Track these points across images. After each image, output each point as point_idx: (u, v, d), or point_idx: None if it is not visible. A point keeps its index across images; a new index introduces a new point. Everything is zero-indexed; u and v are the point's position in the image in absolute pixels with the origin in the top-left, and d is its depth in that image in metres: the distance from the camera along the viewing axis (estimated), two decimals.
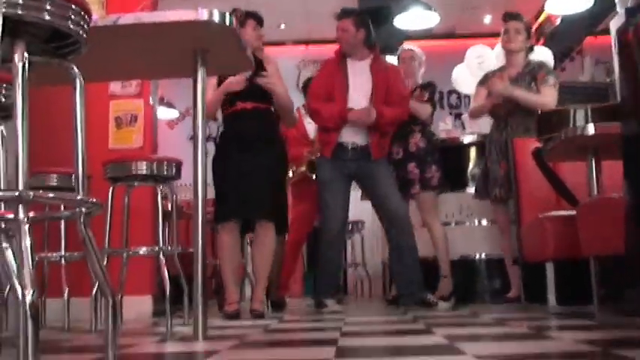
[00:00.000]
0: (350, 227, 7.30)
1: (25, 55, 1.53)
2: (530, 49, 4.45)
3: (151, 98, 4.67)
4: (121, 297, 3.24)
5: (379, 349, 2.22)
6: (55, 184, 3.61)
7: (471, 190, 4.89)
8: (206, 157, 2.86)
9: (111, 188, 3.33)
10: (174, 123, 8.92)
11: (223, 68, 3.29)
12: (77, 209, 1.66)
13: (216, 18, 2.60)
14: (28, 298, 1.33)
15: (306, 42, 9.32)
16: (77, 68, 1.72)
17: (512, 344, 2.14)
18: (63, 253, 3.67)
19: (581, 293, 3.25)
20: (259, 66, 4.02)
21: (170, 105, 7.71)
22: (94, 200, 1.66)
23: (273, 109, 4.11)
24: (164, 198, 3.42)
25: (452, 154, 5.11)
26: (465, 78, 5.73)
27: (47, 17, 1.52)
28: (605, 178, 3.23)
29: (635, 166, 2.42)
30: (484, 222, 4.99)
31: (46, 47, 1.65)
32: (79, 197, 1.67)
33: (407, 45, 5.10)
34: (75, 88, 1.71)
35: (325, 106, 4.33)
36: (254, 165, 3.88)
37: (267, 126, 4.08)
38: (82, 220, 1.66)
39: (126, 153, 4.22)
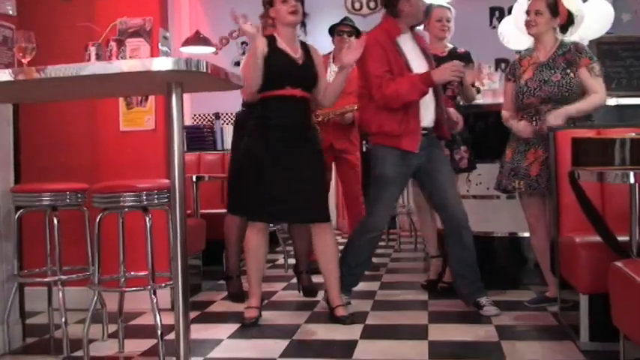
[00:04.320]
0: None
1: None
2: (564, 29, 3.88)
3: (160, 50, 4.26)
4: None
5: None
6: None
7: None
8: None
9: (99, 216, 3.11)
10: (219, 48, 8.59)
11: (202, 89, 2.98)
12: None
13: (182, 66, 2.27)
14: None
15: None
16: None
17: None
18: None
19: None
20: (307, 53, 3.84)
21: (206, 41, 7.30)
22: None
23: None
24: None
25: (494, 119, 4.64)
26: (513, 33, 5.10)
27: None
28: None
29: None
30: None
31: None
32: None
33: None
34: None
35: (399, 82, 3.73)
36: (303, 163, 3.69)
37: (310, 117, 3.89)
38: None
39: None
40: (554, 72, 3.77)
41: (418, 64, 3.88)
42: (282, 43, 3.75)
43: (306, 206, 3.69)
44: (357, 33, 5.03)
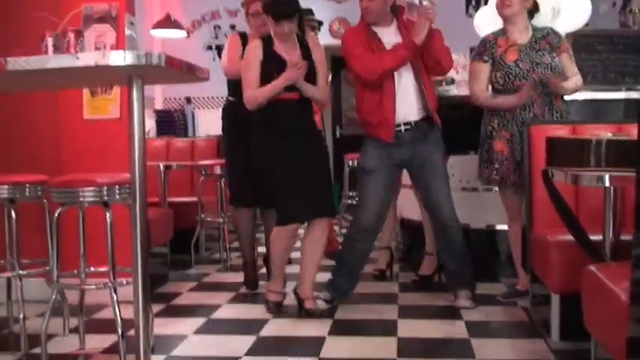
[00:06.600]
0: None
1: None
2: (530, 15, 3.80)
3: (127, 34, 4.12)
4: None
5: None
6: None
7: None
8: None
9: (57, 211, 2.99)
10: (191, 31, 8.41)
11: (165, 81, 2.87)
12: None
13: (141, 61, 2.16)
14: None
15: None
16: None
17: None
18: None
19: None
20: (306, 50, 3.75)
21: (177, 24, 7.13)
22: None
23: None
24: None
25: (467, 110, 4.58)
26: (489, 24, 5.01)
27: None
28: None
29: None
30: None
31: None
32: None
33: None
34: None
35: (379, 53, 3.69)
36: (313, 161, 3.70)
37: (312, 117, 3.86)
38: None
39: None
40: (542, 54, 3.71)
41: None
42: (277, 46, 3.69)
43: (324, 201, 3.73)
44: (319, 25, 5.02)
